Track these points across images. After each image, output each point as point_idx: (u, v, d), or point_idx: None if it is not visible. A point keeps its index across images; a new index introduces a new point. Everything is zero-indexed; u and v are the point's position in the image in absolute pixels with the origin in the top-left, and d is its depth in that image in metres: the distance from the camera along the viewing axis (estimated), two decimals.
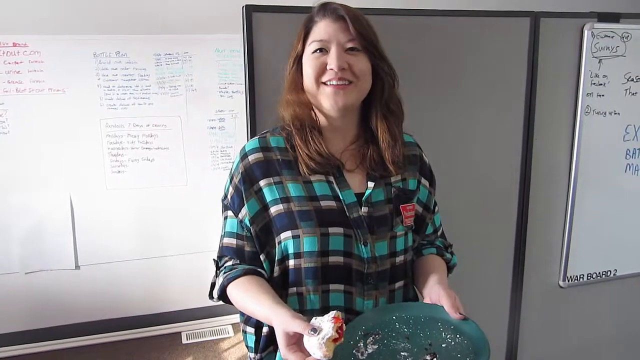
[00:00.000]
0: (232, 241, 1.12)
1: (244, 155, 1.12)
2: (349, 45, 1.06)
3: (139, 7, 2.92)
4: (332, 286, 1.07)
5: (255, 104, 1.51)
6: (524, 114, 1.84)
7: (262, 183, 1.09)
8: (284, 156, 1.11)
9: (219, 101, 3.15)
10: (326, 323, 0.91)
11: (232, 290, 1.09)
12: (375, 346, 1.01)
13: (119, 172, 3.05)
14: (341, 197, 1.08)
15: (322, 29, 1.06)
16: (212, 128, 3.16)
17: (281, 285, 1.10)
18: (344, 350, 0.97)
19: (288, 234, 1.07)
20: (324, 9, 1.08)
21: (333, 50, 1.05)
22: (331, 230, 1.06)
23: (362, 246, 1.08)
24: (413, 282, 1.21)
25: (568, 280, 2.00)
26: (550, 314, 2.08)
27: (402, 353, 1.00)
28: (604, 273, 2.06)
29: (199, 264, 3.23)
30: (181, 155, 3.13)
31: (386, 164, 1.12)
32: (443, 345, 1.01)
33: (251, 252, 1.11)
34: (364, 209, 1.09)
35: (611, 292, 2.13)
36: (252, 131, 1.52)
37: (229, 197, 1.13)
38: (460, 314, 1.02)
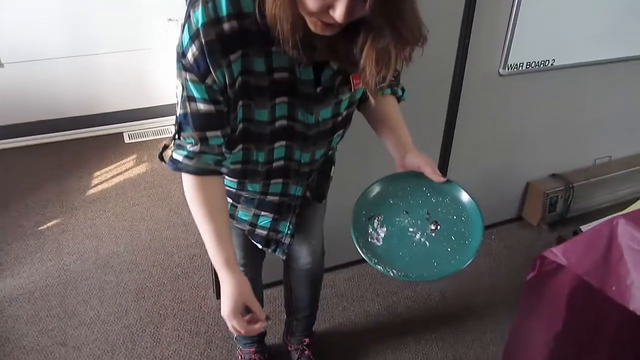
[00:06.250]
0: (202, 106, 1.00)
1: (216, 19, 0.91)
2: None
3: None
4: (276, 144, 1.11)
5: None
6: None
7: (232, 57, 0.94)
8: (254, 26, 0.92)
9: None
10: None
11: (190, 188, 1.06)
12: (384, 229, 1.09)
13: None
14: (298, 74, 1.00)
15: None
16: None
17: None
18: (361, 241, 1.07)
19: (241, 103, 1.02)
20: None
21: (344, 2, 0.78)
22: (278, 100, 1.02)
23: (308, 114, 1.07)
24: (369, 124, 1.23)
25: (508, 69, 2.03)
26: (489, 103, 2.15)
27: (410, 229, 1.09)
28: (542, 62, 2.10)
29: (134, 64, 3.06)
30: None
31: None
32: (439, 209, 1.10)
33: (221, 132, 1.03)
34: (319, 88, 1.04)
35: (548, 81, 2.20)
36: None
37: (189, 57, 0.95)
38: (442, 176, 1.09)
